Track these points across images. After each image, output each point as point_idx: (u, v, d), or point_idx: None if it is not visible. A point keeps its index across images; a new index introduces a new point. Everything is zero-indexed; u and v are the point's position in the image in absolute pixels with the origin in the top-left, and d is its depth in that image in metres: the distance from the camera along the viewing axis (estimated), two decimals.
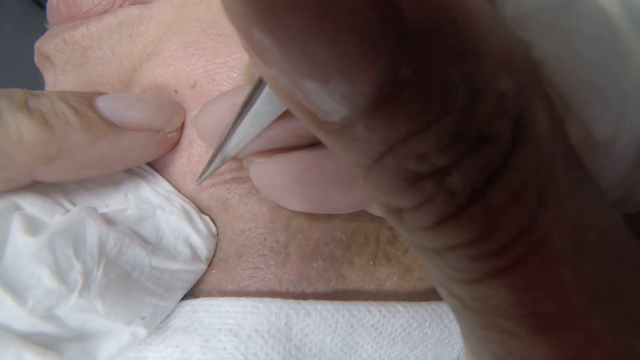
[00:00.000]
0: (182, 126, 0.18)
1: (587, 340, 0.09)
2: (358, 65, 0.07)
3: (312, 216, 0.17)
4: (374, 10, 0.07)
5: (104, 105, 0.16)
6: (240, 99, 0.13)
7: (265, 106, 0.13)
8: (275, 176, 0.15)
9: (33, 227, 0.15)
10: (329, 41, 0.07)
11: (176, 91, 0.18)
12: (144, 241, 0.16)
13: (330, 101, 0.07)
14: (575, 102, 0.10)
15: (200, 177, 0.16)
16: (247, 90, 0.13)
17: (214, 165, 0.15)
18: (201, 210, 0.18)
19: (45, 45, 0.21)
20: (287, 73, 0.07)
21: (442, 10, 0.07)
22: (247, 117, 0.13)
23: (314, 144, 0.15)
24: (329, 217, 0.17)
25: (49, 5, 0.21)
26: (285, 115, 0.14)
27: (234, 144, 0.14)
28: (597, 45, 0.10)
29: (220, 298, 0.16)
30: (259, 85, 0.12)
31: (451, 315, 0.18)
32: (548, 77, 0.10)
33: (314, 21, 0.07)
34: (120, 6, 0.20)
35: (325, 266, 0.17)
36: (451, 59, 0.07)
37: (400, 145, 0.08)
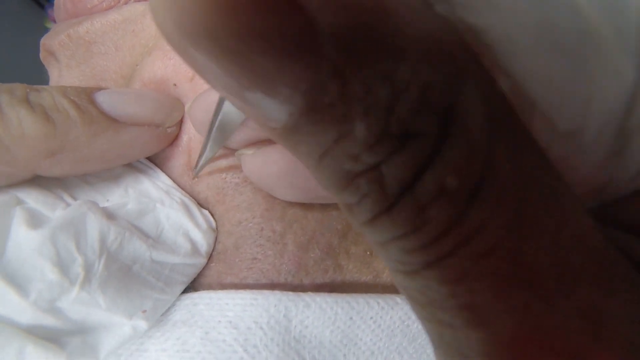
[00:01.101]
0: (182, 121, 0.18)
1: (526, 334, 0.08)
2: (280, 78, 0.07)
3: (307, 205, 0.17)
4: (288, 22, 0.07)
5: (104, 100, 0.16)
6: None
7: None
8: (265, 166, 0.15)
9: (35, 221, 0.15)
10: (247, 57, 0.07)
11: (175, 85, 0.18)
12: (144, 235, 0.16)
13: (269, 110, 0.08)
14: (533, 91, 0.10)
15: (195, 168, 0.16)
16: None
17: (206, 155, 0.16)
18: (200, 203, 0.18)
19: (50, 41, 0.21)
20: (224, 86, 0.08)
21: (356, 14, 0.07)
22: (228, 104, 0.14)
23: None
24: (325, 206, 0.17)
25: (56, 2, 0.21)
26: None
27: (221, 132, 0.15)
28: (557, 29, 0.09)
29: (220, 291, 0.16)
30: None
31: None
32: (501, 64, 0.09)
33: (231, 39, 0.07)
34: (125, 3, 0.20)
35: (322, 256, 0.17)
36: (367, 60, 0.07)
37: (333, 147, 0.08)
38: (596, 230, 0.09)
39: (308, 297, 0.16)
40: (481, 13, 0.09)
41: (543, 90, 0.10)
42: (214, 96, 0.15)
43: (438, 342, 0.10)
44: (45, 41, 0.21)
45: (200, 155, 0.16)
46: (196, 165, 0.16)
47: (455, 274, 0.08)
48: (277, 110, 0.08)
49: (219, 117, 0.14)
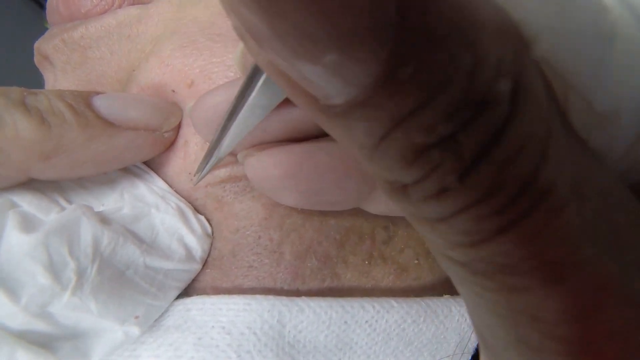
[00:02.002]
0: (179, 126, 0.18)
1: (598, 284, 0.09)
2: (361, 43, 0.07)
3: (306, 214, 0.17)
4: None
5: (101, 104, 0.16)
6: (237, 90, 0.13)
7: (261, 98, 0.12)
8: (269, 169, 0.14)
9: (28, 224, 0.15)
10: (327, 18, 0.06)
11: (173, 91, 0.18)
12: (138, 240, 0.16)
13: (332, 83, 0.07)
14: (572, 76, 0.10)
15: (196, 174, 0.16)
16: (242, 81, 0.12)
17: (210, 163, 0.15)
18: (196, 209, 0.18)
19: (44, 46, 0.21)
20: (283, 55, 0.07)
21: None
22: (242, 110, 0.13)
23: (309, 136, 0.15)
24: (323, 215, 0.17)
25: (48, 5, 0.21)
26: (281, 106, 0.13)
27: (230, 139, 0.14)
28: (590, 15, 0.10)
29: (213, 296, 0.16)
30: (253, 76, 0.12)
31: (446, 311, 0.18)
32: (542, 54, 0.10)
33: None
34: (120, 6, 0.20)
35: (320, 265, 0.17)
36: (453, 29, 0.07)
37: (408, 119, 0.08)
38: (631, 195, 0.10)
39: (302, 302, 0.16)
40: (520, 5, 0.10)
41: (581, 73, 0.10)
42: (219, 97, 0.15)
43: (506, 313, 0.10)
44: (40, 45, 0.21)
45: (205, 160, 0.15)
46: (198, 171, 0.16)
47: (530, 234, 0.09)
48: (341, 83, 0.07)
49: (235, 121, 0.13)
